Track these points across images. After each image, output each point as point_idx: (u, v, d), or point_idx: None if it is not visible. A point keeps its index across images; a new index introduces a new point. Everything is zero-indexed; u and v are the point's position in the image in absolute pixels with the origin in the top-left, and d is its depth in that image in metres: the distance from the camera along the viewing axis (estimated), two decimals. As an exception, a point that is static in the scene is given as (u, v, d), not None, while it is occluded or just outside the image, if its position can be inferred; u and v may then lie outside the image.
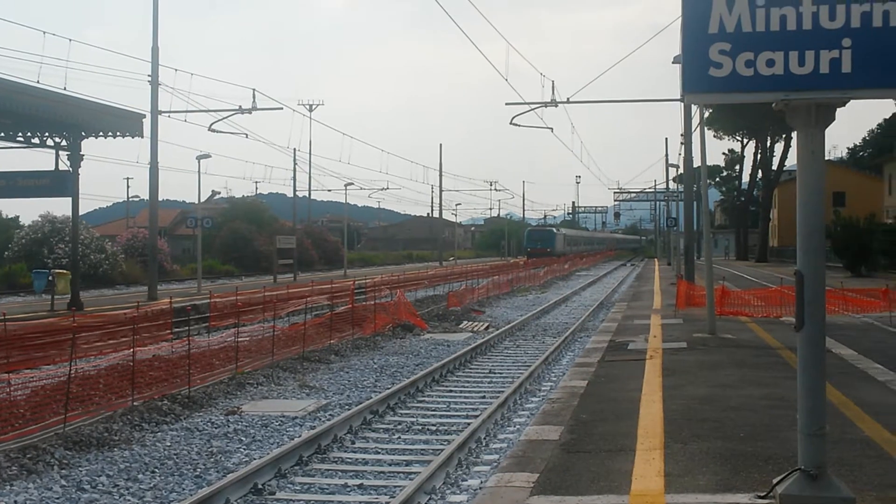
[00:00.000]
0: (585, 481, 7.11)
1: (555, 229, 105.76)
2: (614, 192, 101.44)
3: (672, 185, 66.09)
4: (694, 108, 27.69)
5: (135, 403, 12.35)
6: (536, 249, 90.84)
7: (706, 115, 31.37)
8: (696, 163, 31.40)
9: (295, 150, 72.38)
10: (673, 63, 28.27)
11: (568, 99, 32.62)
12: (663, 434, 8.68)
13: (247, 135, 40.35)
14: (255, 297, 26.69)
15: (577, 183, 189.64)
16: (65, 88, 26.04)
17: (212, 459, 10.21)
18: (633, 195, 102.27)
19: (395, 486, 8.95)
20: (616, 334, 18.70)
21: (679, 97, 7.57)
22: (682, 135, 35.54)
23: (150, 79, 32.19)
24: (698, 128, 25.49)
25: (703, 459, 7.66)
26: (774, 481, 6.38)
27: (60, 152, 27.13)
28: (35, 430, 10.54)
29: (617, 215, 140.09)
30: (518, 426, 11.75)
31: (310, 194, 70.08)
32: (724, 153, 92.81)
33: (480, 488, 8.25)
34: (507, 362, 18.48)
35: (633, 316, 23.35)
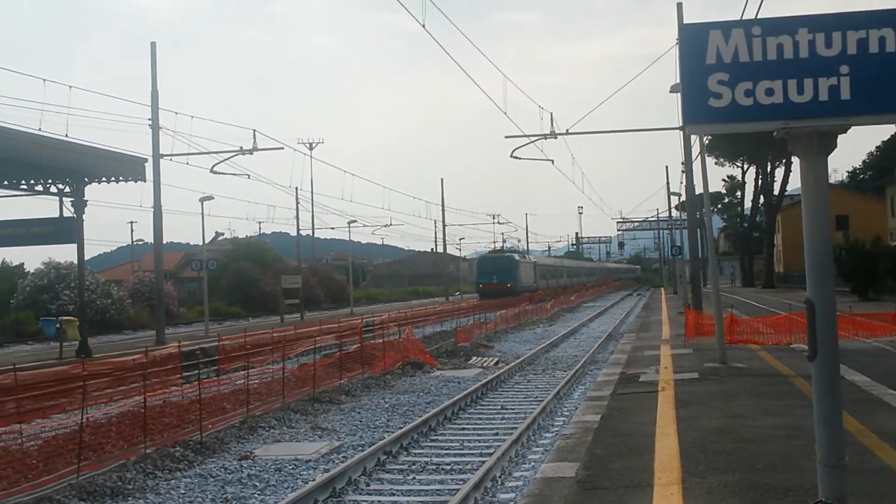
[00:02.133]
0: (604, 519, 7.06)
1: (516, 255, 79.00)
2: (617, 222, 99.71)
3: (675, 213, 66.21)
4: (694, 136, 27.80)
5: (147, 451, 12.31)
6: (490, 285, 69.32)
7: (706, 142, 31.52)
8: (698, 190, 31.52)
9: (297, 189, 72.30)
10: (671, 92, 28.53)
11: (567, 130, 32.81)
12: (680, 468, 8.62)
13: (248, 175, 40.59)
14: (263, 338, 26.64)
15: (580, 214, 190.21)
16: (66, 135, 26.28)
17: (226, 506, 10.15)
18: (636, 224, 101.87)
19: (411, 528, 8.89)
20: (626, 366, 18.64)
21: (679, 127, 7.62)
22: (682, 163, 35.67)
23: (150, 123, 32.43)
24: (699, 156, 25.59)
25: (721, 493, 7.60)
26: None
27: (64, 199, 27.30)
28: (49, 482, 10.50)
29: (621, 245, 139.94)
30: (533, 463, 11.69)
31: (313, 233, 70.39)
32: (723, 179, 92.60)
33: (498, 528, 8.19)
34: (518, 397, 18.41)
35: (643, 347, 23.27)
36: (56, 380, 16.81)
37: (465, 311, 46.61)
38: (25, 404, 15.14)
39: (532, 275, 78.90)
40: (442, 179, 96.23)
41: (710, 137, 62.64)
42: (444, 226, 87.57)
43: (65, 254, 53.59)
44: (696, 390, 14.22)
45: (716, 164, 78.91)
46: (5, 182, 27.06)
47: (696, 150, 31.67)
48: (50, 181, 27.06)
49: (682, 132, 31.56)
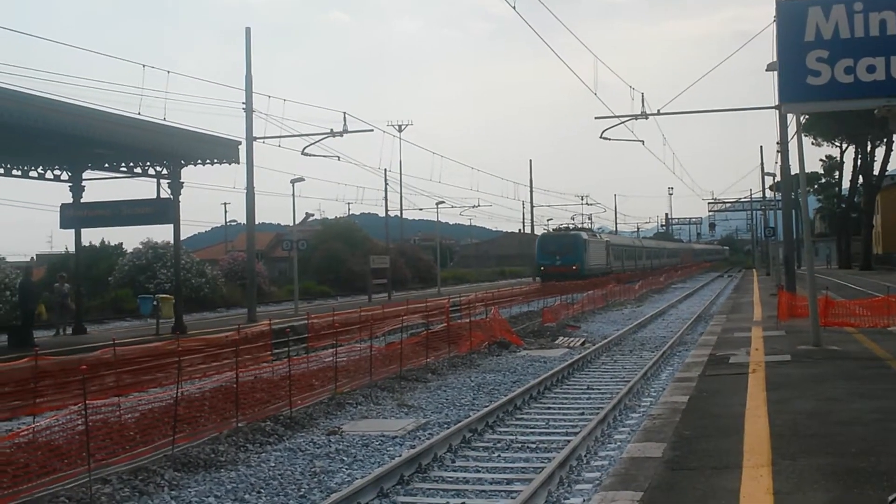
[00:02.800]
0: (691, 500, 6.98)
1: (584, 234, 68.81)
2: (708, 203, 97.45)
3: (769, 194, 64.68)
4: (790, 115, 27.07)
5: (239, 425, 12.63)
6: (553, 267, 61.78)
7: (803, 121, 30.66)
8: (794, 170, 30.73)
9: (386, 170, 72.96)
10: (766, 70, 27.84)
11: (658, 111, 32.37)
12: (770, 450, 8.46)
13: (339, 157, 41.00)
14: (351, 317, 27.03)
15: (670, 194, 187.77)
16: (164, 119, 26.86)
17: (315, 479, 10.36)
18: (727, 205, 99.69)
19: (496, 505, 8.94)
20: (716, 348, 18.33)
21: (775, 106, 7.43)
22: (777, 143, 34.78)
23: (244, 106, 33.02)
24: (795, 135, 24.92)
25: (813, 476, 7.44)
26: (890, 498, 6.15)
27: (161, 181, 28.07)
28: (145, 453, 10.86)
29: (712, 226, 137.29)
30: (619, 443, 11.63)
31: (401, 213, 70.83)
32: (821, 160, 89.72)
33: (583, 507, 8.18)
34: (604, 378, 18.31)
35: (733, 328, 22.85)
36: (152, 355, 17.40)
37: (551, 291, 46.44)
38: (124, 378, 15.73)
39: (604, 255, 71.09)
40: (530, 160, 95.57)
41: (807, 116, 61.02)
42: (532, 206, 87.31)
43: (162, 234, 55.33)
44: (789, 373, 13.92)
45: (813, 143, 76.74)
46: (106, 164, 27.95)
47: (792, 129, 30.90)
48: (148, 164, 27.81)
49: (777, 111, 30.79)
